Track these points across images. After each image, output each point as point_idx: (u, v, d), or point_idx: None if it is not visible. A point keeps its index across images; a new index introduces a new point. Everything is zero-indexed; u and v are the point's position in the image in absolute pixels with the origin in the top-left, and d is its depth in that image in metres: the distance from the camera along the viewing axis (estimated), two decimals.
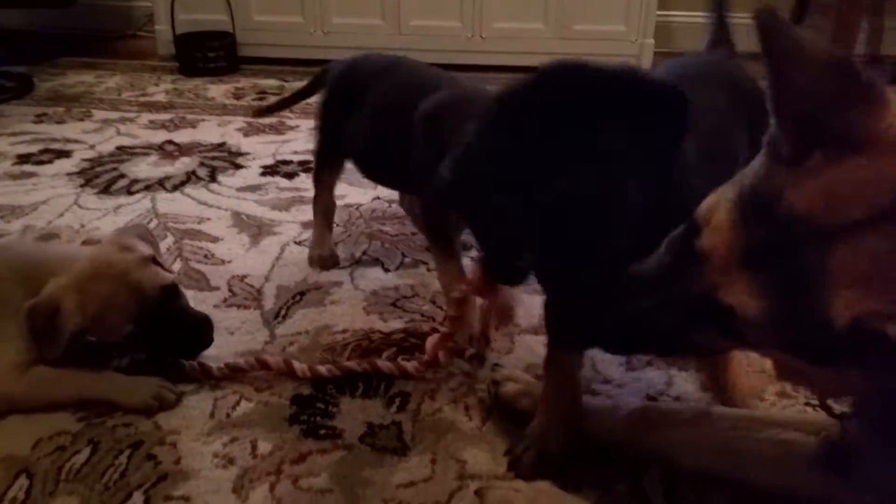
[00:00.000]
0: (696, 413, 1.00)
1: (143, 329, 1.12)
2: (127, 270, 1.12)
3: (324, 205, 1.59)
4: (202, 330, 1.19)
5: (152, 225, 1.72)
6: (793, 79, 0.62)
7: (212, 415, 1.10)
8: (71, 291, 1.09)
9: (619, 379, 1.20)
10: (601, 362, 1.23)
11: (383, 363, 1.19)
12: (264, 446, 1.04)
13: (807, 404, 1.11)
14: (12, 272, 1.14)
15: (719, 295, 0.65)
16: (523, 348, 1.28)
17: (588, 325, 0.81)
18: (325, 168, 1.57)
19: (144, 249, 1.18)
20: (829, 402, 0.83)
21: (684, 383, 1.18)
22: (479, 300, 1.22)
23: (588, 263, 0.79)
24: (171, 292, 1.16)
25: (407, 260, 1.59)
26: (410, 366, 1.18)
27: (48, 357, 1.10)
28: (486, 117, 0.82)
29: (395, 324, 1.35)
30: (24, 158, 2.18)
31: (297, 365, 1.17)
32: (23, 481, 0.98)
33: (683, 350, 0.84)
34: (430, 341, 1.21)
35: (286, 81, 2.98)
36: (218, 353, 1.23)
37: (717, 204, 0.67)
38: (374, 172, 1.49)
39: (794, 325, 0.61)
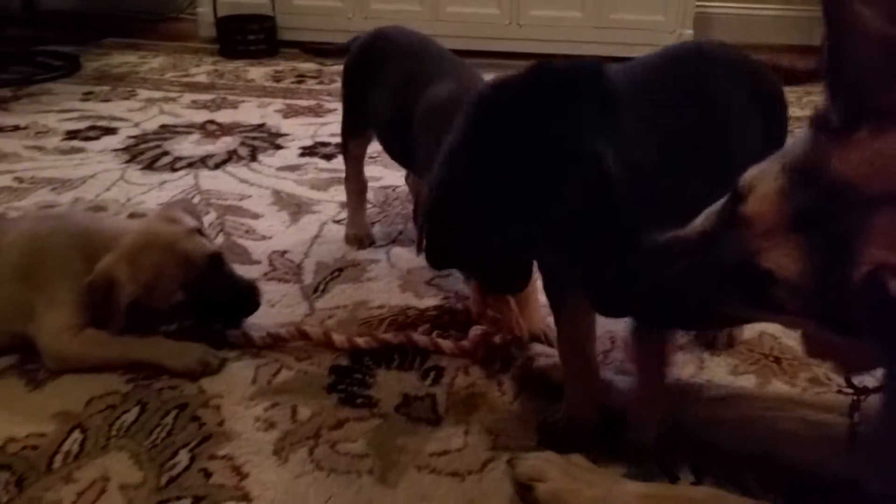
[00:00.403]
0: (727, 392, 1.02)
1: (192, 296, 1.17)
2: (175, 240, 1.17)
3: (355, 183, 1.63)
4: (248, 296, 1.24)
5: (195, 200, 1.77)
6: (849, 53, 0.64)
7: (254, 381, 1.14)
8: (123, 264, 1.14)
9: None
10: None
11: (419, 337, 1.22)
12: (304, 412, 1.08)
13: (839, 391, 1.11)
14: (70, 240, 1.20)
15: (760, 260, 0.67)
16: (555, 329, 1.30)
17: (614, 294, 0.83)
18: (349, 138, 1.59)
19: (190, 222, 1.23)
20: (856, 380, 0.84)
21: (716, 367, 1.19)
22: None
23: (593, 238, 0.81)
24: (218, 260, 1.21)
25: None
26: (446, 345, 1.21)
27: (113, 332, 1.15)
28: (452, 151, 0.84)
29: (430, 301, 1.38)
30: (72, 134, 2.25)
31: (335, 336, 1.21)
32: (77, 435, 1.03)
33: (709, 321, 0.85)
34: (474, 333, 1.22)
35: (325, 65, 3.01)
36: (259, 324, 1.27)
37: (763, 173, 0.69)
38: (387, 146, 1.51)
39: (827, 288, 0.64)
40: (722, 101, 0.97)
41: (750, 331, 1.26)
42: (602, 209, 0.78)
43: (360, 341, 1.21)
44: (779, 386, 1.14)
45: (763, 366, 1.19)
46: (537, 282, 1.08)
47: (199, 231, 1.24)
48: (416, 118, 1.27)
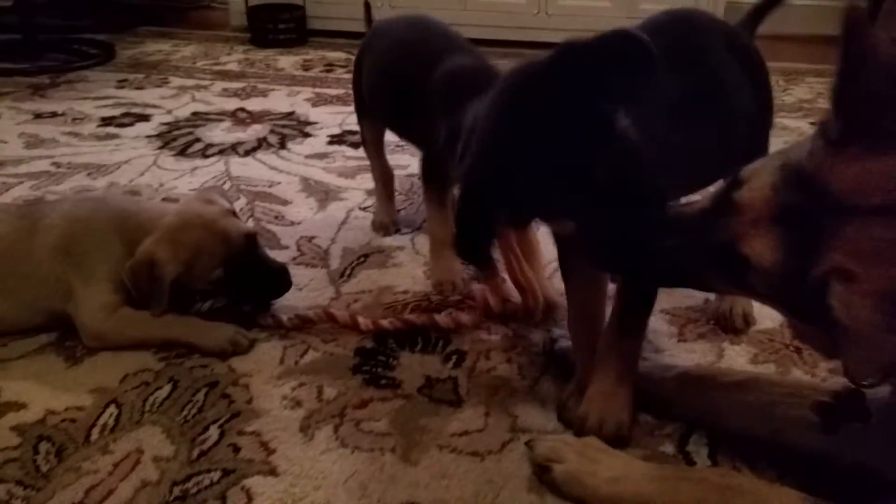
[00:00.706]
0: (744, 377, 1.02)
1: (230, 273, 1.21)
2: (214, 219, 1.22)
3: (380, 172, 1.67)
4: (281, 276, 1.28)
5: (226, 186, 1.81)
6: (859, 76, 0.68)
7: (281, 361, 1.18)
8: (163, 243, 1.18)
9: (671, 350, 1.22)
10: (653, 333, 1.26)
11: (440, 317, 1.25)
12: (329, 392, 1.11)
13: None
14: (109, 221, 1.24)
15: (741, 245, 0.74)
16: None
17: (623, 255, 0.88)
18: (363, 124, 1.65)
19: (225, 203, 1.27)
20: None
21: (736, 356, 1.20)
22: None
23: (615, 207, 0.85)
24: (253, 240, 1.25)
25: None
26: (465, 317, 1.25)
27: (156, 312, 1.19)
28: (493, 115, 0.89)
29: None
30: (107, 121, 2.31)
31: (361, 319, 1.24)
32: (112, 410, 1.07)
33: (698, 286, 0.94)
34: (479, 290, 1.27)
35: (353, 55, 3.03)
36: (288, 307, 1.30)
37: (763, 167, 0.75)
38: (391, 124, 1.56)
39: (791, 279, 0.70)
40: (720, 65, 1.05)
41: (770, 321, 1.27)
42: (626, 178, 0.83)
43: (385, 323, 1.24)
44: (799, 376, 1.15)
45: (783, 356, 1.19)
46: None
47: (234, 213, 1.29)
48: (431, 90, 1.30)
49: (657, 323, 1.29)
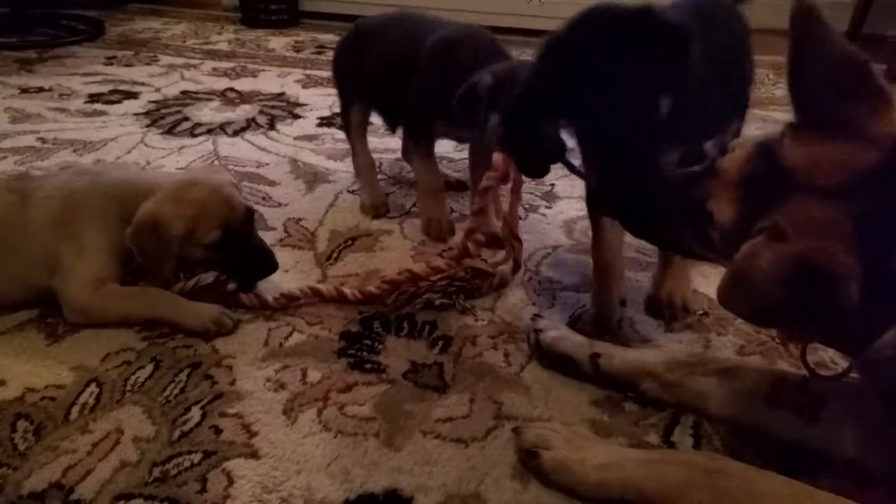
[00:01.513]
0: (729, 364, 1.03)
1: (227, 240, 1.20)
2: (220, 184, 1.22)
3: (365, 157, 1.69)
4: (269, 257, 1.27)
5: (213, 165, 1.79)
6: (810, 65, 0.77)
7: (266, 343, 1.17)
8: (166, 202, 1.17)
9: (658, 340, 1.22)
10: (640, 323, 1.26)
11: (418, 267, 1.29)
12: (313, 375, 1.10)
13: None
14: (108, 193, 1.23)
15: (708, 202, 0.84)
16: (563, 304, 1.31)
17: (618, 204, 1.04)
18: (350, 110, 1.68)
19: (231, 178, 1.27)
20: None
21: (722, 347, 1.20)
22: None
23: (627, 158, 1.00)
24: (252, 216, 1.25)
25: (455, 214, 1.63)
26: (443, 262, 1.29)
27: (161, 275, 1.19)
28: (539, 57, 1.06)
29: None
30: (94, 98, 2.28)
31: (347, 290, 1.26)
32: (93, 389, 1.06)
33: (670, 241, 1.01)
34: (458, 237, 1.31)
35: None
36: (273, 289, 1.29)
37: (747, 140, 0.85)
38: (382, 104, 1.65)
39: (739, 235, 0.77)
40: (738, 39, 1.20)
41: None
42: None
43: (371, 288, 1.26)
44: (784, 368, 1.15)
45: (769, 347, 1.19)
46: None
47: (237, 189, 1.29)
48: (420, 60, 1.45)
49: (643, 315, 1.28)
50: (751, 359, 1.17)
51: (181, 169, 1.76)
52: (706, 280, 1.39)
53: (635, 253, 1.48)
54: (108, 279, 1.19)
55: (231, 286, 1.26)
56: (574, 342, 1.11)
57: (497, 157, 1.26)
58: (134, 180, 1.26)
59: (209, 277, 1.29)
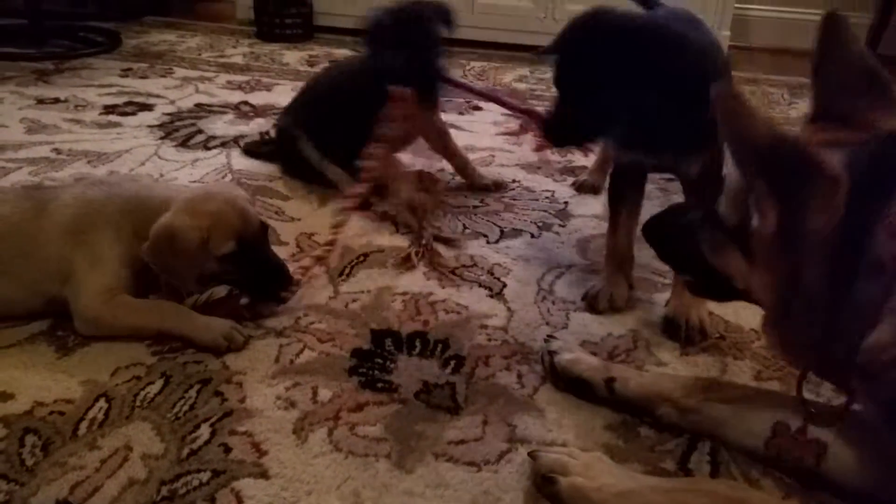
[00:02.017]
0: (749, 392, 1.01)
1: (241, 253, 1.19)
2: (233, 197, 1.22)
3: None
4: (284, 271, 1.26)
5: (226, 179, 1.79)
6: (832, 65, 0.87)
7: (276, 359, 1.15)
8: (181, 214, 1.17)
9: (673, 364, 1.20)
10: (655, 346, 1.24)
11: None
12: (324, 393, 1.09)
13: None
14: (123, 204, 1.22)
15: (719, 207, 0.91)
16: (577, 324, 1.29)
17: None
18: None
19: (245, 194, 1.27)
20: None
21: (739, 372, 1.18)
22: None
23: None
24: (266, 230, 1.25)
25: (468, 231, 1.62)
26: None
27: (185, 289, 1.20)
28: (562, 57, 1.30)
29: (452, 290, 1.38)
30: (109, 109, 2.29)
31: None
32: (102, 404, 1.05)
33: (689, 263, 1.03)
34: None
35: (359, 52, 3.02)
36: (285, 306, 1.28)
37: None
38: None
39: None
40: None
41: None
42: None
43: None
44: (807, 388, 1.12)
45: (787, 373, 1.17)
46: None
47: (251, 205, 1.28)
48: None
49: (659, 336, 1.27)
50: (768, 384, 1.15)
51: (195, 182, 1.76)
52: (721, 304, 1.37)
53: (650, 274, 1.47)
54: (120, 290, 1.19)
55: (244, 300, 1.25)
56: (589, 365, 1.10)
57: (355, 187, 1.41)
58: (148, 193, 1.26)
59: (222, 291, 1.28)
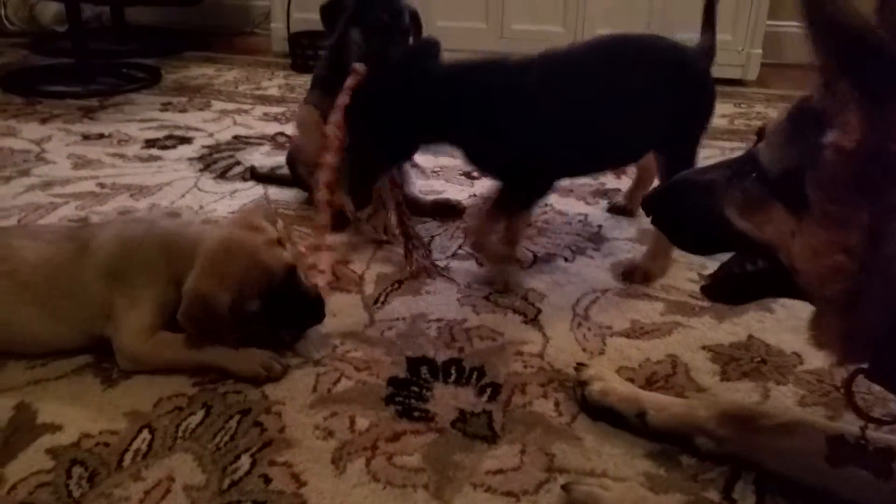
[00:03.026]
0: (783, 419, 0.98)
1: (267, 305, 1.20)
2: (256, 250, 1.20)
3: None
4: (316, 306, 1.27)
5: (257, 207, 1.82)
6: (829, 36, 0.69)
7: (314, 389, 1.17)
8: (208, 277, 1.18)
9: (713, 389, 1.18)
10: (695, 371, 1.22)
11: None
12: (362, 422, 1.09)
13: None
14: (158, 245, 1.25)
15: (757, 154, 0.80)
16: (614, 350, 1.28)
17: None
18: None
19: (270, 231, 1.26)
20: None
21: (782, 397, 1.15)
22: None
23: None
24: (293, 272, 1.24)
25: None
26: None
27: (228, 342, 1.21)
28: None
29: (487, 317, 1.38)
30: (151, 143, 2.36)
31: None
32: (145, 435, 1.07)
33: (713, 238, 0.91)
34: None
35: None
36: (321, 334, 1.30)
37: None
38: None
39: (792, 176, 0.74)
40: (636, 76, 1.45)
41: (819, 360, 1.22)
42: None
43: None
44: (850, 420, 1.09)
45: (833, 398, 1.14)
46: None
47: (279, 240, 1.27)
48: None
49: (698, 360, 1.25)
50: (812, 410, 1.12)
51: (233, 213, 1.80)
52: (761, 325, 1.35)
53: (686, 297, 1.45)
54: (159, 328, 1.21)
55: (283, 333, 1.27)
56: (620, 396, 1.08)
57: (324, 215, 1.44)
58: (182, 232, 1.29)
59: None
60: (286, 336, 1.28)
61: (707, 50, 1.52)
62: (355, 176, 1.54)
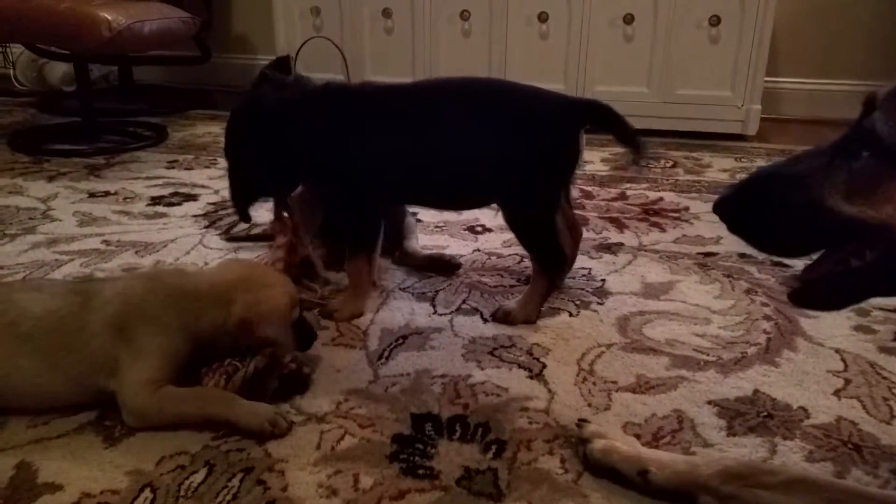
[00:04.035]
0: (791, 476, 0.97)
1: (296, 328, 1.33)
2: (283, 281, 1.35)
3: None
4: (312, 329, 1.39)
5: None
6: None
7: (318, 446, 1.16)
8: (269, 289, 1.29)
9: (719, 444, 1.17)
10: (700, 426, 1.21)
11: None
12: (366, 481, 1.08)
13: None
14: (164, 298, 1.26)
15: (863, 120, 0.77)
16: (620, 405, 1.28)
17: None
18: None
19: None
20: None
21: (789, 452, 1.14)
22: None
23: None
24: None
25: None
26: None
27: (290, 349, 1.32)
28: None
29: (492, 372, 1.38)
30: (156, 200, 2.39)
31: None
32: (147, 494, 1.05)
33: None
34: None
35: None
36: (325, 390, 1.30)
37: None
38: None
39: None
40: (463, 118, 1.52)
41: (825, 414, 1.21)
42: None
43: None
44: (859, 476, 1.09)
45: (841, 453, 1.13)
46: None
47: None
48: None
49: (704, 415, 1.24)
50: (820, 466, 1.11)
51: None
52: (767, 379, 1.35)
53: (691, 352, 1.45)
54: (164, 382, 1.21)
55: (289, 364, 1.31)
56: (622, 455, 1.07)
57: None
58: (185, 282, 1.31)
59: (260, 362, 1.29)
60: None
61: (576, 106, 1.52)
62: (234, 197, 1.69)
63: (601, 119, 1.50)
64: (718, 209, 0.89)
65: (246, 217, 1.72)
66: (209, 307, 1.26)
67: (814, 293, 0.88)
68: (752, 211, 0.85)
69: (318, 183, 1.64)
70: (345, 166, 1.53)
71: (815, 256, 0.89)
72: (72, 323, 1.23)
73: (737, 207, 0.87)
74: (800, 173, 0.80)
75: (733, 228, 0.88)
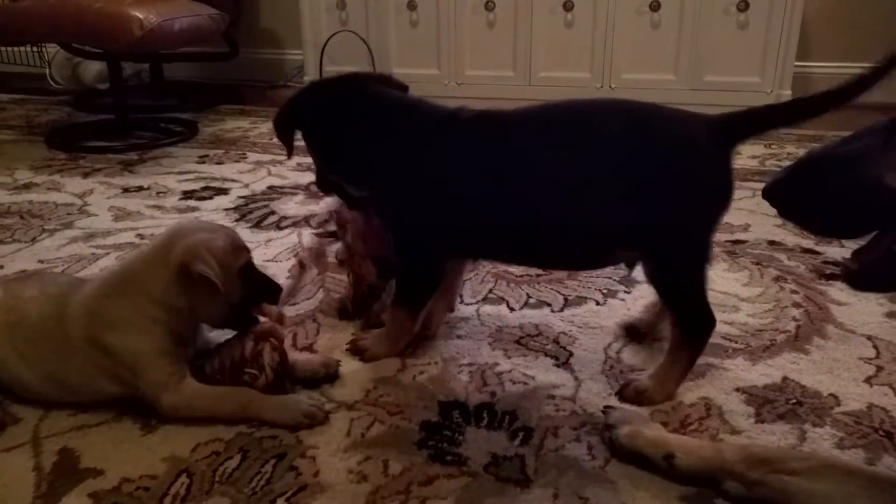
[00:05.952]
0: (818, 462, 0.97)
1: (251, 265, 1.31)
2: (223, 230, 1.31)
3: None
4: (276, 284, 1.36)
5: (299, 257, 1.87)
6: None
7: (348, 433, 1.18)
8: (199, 233, 1.25)
9: (748, 431, 1.17)
10: (728, 413, 1.21)
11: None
12: (395, 466, 1.10)
13: None
14: (119, 293, 1.24)
15: None
16: None
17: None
18: None
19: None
20: None
21: (819, 439, 1.14)
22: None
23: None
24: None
25: (531, 300, 1.63)
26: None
27: (217, 322, 1.30)
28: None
29: (518, 360, 1.39)
30: (188, 194, 2.44)
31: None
32: (184, 479, 1.09)
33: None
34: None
35: None
36: (355, 379, 1.32)
37: None
38: None
39: None
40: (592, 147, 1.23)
41: (857, 402, 1.20)
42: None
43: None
44: (890, 463, 1.08)
45: (872, 441, 1.13)
46: None
47: None
48: None
49: (732, 403, 1.24)
50: (851, 453, 1.11)
51: (269, 261, 1.84)
52: (796, 366, 1.34)
53: (720, 339, 1.44)
54: (176, 370, 1.22)
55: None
56: (648, 440, 1.08)
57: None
58: (134, 261, 1.28)
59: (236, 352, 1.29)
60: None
61: (722, 125, 1.14)
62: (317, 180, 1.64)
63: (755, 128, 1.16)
64: (768, 194, 0.87)
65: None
66: (157, 268, 1.22)
67: (874, 275, 0.88)
68: (807, 193, 0.84)
69: (381, 219, 1.45)
70: (413, 213, 1.32)
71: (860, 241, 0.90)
72: (59, 335, 1.24)
73: (790, 191, 0.85)
74: (855, 152, 0.79)
75: (785, 213, 0.88)
